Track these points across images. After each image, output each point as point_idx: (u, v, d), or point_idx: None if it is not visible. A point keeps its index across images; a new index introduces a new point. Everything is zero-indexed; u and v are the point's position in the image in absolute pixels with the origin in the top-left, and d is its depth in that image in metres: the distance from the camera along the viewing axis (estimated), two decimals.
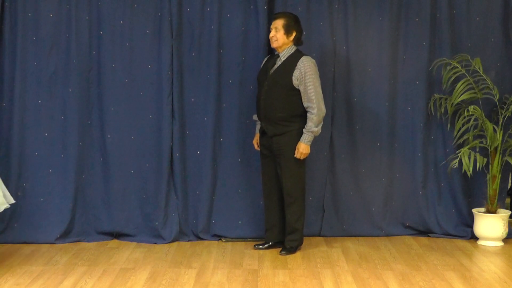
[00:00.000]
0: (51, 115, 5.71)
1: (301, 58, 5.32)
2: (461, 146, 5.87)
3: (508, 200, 6.48)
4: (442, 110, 5.88)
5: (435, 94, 5.91)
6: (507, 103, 5.78)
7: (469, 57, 5.77)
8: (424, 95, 5.94)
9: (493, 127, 5.74)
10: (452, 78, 5.77)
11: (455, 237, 5.95)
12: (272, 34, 5.36)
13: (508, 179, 6.19)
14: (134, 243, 5.70)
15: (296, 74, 5.29)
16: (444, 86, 5.83)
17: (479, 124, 5.77)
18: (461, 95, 5.71)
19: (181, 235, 5.82)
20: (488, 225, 5.72)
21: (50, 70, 5.67)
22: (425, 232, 6.02)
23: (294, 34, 5.36)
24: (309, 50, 5.83)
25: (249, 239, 5.85)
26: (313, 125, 5.28)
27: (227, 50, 5.79)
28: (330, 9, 5.84)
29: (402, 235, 6.02)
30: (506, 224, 5.77)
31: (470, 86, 5.74)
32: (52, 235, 5.68)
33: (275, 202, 5.55)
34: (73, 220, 5.75)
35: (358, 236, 5.97)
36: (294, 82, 5.29)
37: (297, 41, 5.40)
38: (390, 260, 5.33)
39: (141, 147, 5.79)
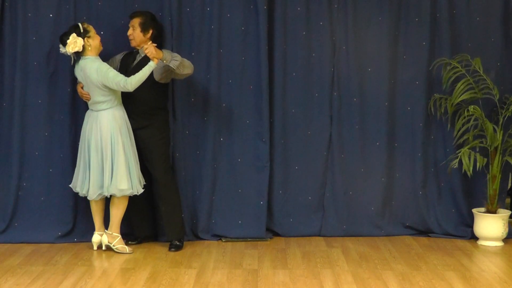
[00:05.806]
0: (51, 115, 5.71)
1: None
2: (461, 146, 5.87)
3: (508, 200, 6.48)
4: (442, 110, 5.88)
5: (435, 94, 5.91)
6: (507, 103, 5.78)
7: (469, 57, 5.77)
8: (424, 95, 5.93)
9: (493, 127, 5.74)
10: (452, 78, 5.77)
11: (455, 237, 5.95)
12: (129, 32, 5.45)
13: (508, 179, 6.18)
14: (134, 243, 5.69)
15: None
16: (444, 86, 5.83)
17: (479, 124, 5.77)
18: (461, 95, 5.71)
19: None
20: (488, 225, 5.71)
21: (50, 70, 5.67)
22: (425, 232, 6.02)
23: (151, 31, 5.45)
24: (309, 50, 5.84)
25: (249, 239, 5.85)
26: (177, 58, 5.25)
27: (227, 50, 5.79)
28: (330, 9, 5.84)
29: (402, 235, 6.01)
30: (506, 224, 5.76)
31: (470, 86, 5.74)
32: (52, 235, 5.69)
33: (142, 198, 5.55)
34: (73, 220, 5.74)
35: (358, 236, 5.97)
36: (156, 76, 5.37)
37: (154, 38, 5.47)
38: (390, 260, 5.33)
39: None
